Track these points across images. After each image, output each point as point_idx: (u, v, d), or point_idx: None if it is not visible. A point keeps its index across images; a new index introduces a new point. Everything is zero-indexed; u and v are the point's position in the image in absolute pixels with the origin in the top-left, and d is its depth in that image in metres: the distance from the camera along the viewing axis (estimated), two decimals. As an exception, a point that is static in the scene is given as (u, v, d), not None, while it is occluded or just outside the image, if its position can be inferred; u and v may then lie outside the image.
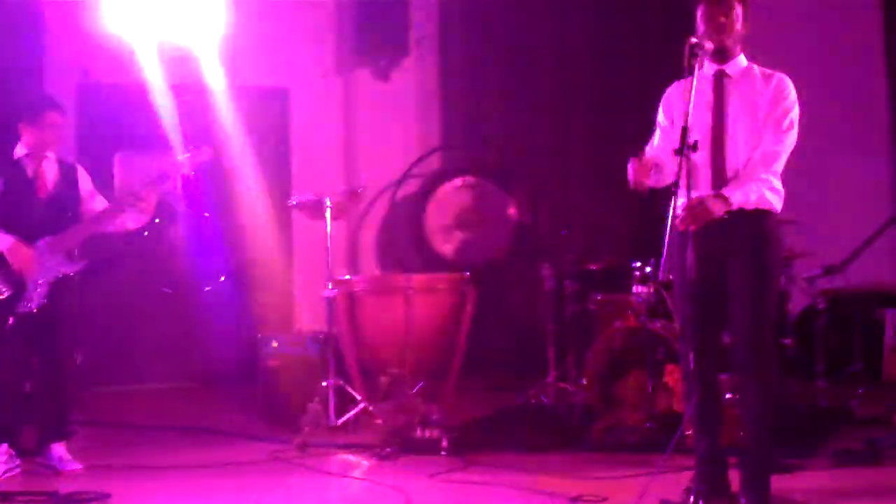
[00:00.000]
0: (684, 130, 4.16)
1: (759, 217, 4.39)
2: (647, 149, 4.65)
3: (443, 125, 9.30)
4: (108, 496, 4.85)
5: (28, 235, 5.48)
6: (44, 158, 5.64)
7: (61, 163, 5.73)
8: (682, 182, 4.18)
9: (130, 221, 5.74)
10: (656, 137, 4.71)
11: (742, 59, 4.53)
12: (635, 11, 8.88)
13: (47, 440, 5.58)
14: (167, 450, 6.10)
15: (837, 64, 8.10)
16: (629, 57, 9.05)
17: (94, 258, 5.76)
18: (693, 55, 4.28)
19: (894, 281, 7.84)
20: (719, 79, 4.50)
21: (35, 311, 5.45)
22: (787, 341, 6.20)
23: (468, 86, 9.29)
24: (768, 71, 4.53)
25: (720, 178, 4.41)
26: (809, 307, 6.93)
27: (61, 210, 5.63)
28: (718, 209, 4.28)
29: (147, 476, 5.42)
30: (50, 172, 5.65)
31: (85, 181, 5.79)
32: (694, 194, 4.27)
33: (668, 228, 4.18)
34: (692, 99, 4.22)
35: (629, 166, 4.44)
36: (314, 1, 9.01)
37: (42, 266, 5.48)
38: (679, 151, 4.16)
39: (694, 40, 4.30)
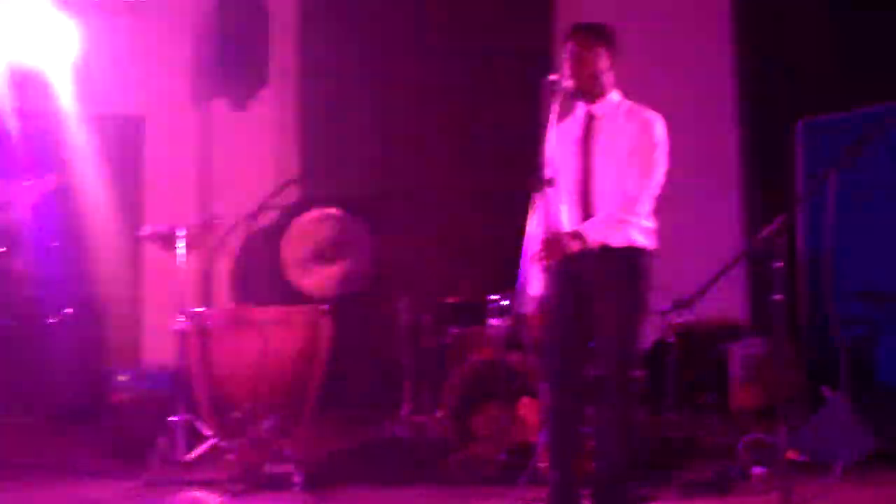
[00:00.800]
0: (541, 167, 4.21)
1: (626, 254, 4.45)
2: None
3: (301, 157, 9.23)
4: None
5: None
6: None
7: None
8: (539, 218, 4.23)
9: None
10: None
11: (613, 97, 4.59)
12: (496, 55, 8.99)
13: None
14: (8, 488, 5.84)
15: (690, 100, 8.30)
16: (488, 94, 9.14)
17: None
18: (551, 93, 4.33)
19: (740, 315, 8.04)
20: (587, 119, 4.55)
21: None
22: (639, 374, 6.27)
23: (328, 118, 9.24)
24: (637, 108, 4.58)
25: (588, 217, 4.46)
26: (660, 340, 7.06)
27: None
28: (574, 245, 4.33)
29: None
30: None
31: None
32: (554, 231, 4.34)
33: (524, 263, 4.23)
34: (552, 137, 4.27)
35: (546, 246, 4.42)
36: (172, 28, 8.84)
37: None
38: (535, 187, 4.20)
39: (552, 78, 4.36)
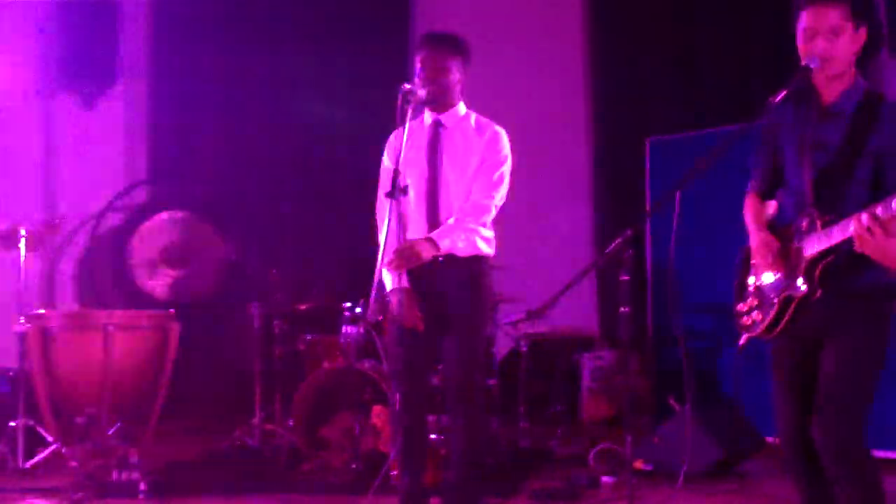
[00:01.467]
0: (395, 174, 4.21)
1: (470, 262, 4.49)
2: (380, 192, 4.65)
3: (151, 157, 9.02)
4: None
5: None
6: None
7: None
8: (392, 225, 4.23)
9: None
10: (384, 183, 4.73)
11: (461, 108, 4.63)
12: (355, 55, 8.92)
13: None
14: None
15: (543, 116, 8.43)
16: (346, 94, 9.07)
17: None
18: (406, 101, 4.33)
19: (590, 326, 8.20)
20: (435, 128, 4.57)
21: None
22: (492, 382, 6.34)
23: (178, 119, 9.03)
24: (484, 121, 4.64)
25: (435, 225, 4.48)
26: (513, 350, 7.14)
27: None
28: (427, 253, 4.34)
29: None
30: None
31: None
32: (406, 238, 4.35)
33: (378, 270, 4.21)
34: (404, 145, 4.27)
35: (400, 306, 4.40)
36: (14, 18, 8.52)
37: None
38: (390, 195, 4.20)
39: (407, 87, 4.36)
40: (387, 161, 4.68)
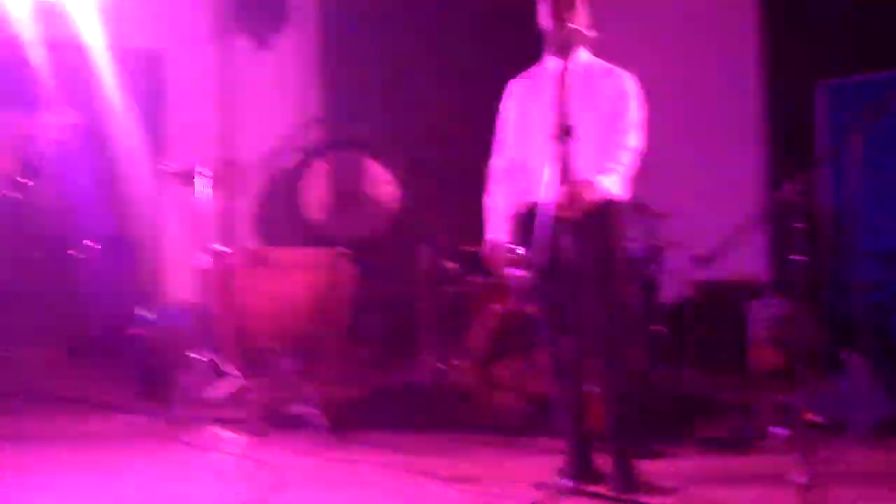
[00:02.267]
0: (562, 116, 4.20)
1: (609, 205, 4.47)
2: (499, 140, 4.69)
3: (323, 97, 9.19)
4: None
5: None
6: None
7: None
8: (557, 169, 4.22)
9: None
10: (504, 128, 4.76)
11: (583, 54, 4.60)
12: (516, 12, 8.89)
13: None
14: (33, 420, 5.92)
15: (709, 53, 8.27)
16: (513, 35, 9.04)
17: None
18: (563, 43, 4.34)
19: (761, 275, 8.06)
20: (562, 73, 4.53)
21: None
22: (659, 329, 6.32)
23: (350, 58, 9.16)
24: (609, 66, 4.62)
25: (566, 173, 4.44)
26: (680, 297, 7.08)
27: None
28: (593, 197, 4.34)
29: (9, 446, 5.23)
30: None
31: None
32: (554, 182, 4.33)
33: (540, 216, 4.21)
34: (575, 85, 4.26)
35: (489, 255, 4.45)
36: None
37: None
38: (557, 137, 4.20)
39: (572, 25, 4.35)
40: (507, 111, 4.71)
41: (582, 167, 4.39)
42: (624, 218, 4.61)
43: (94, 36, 8.13)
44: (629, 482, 4.43)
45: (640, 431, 4.62)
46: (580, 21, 4.53)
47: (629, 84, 4.58)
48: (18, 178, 5.72)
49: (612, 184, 4.44)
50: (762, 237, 8.10)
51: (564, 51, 4.46)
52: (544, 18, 4.57)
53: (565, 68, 4.36)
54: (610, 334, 4.50)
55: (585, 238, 4.42)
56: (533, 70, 4.66)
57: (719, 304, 7.16)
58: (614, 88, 4.55)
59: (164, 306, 7.08)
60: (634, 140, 4.52)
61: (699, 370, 6.67)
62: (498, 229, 4.70)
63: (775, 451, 5.30)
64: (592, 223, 4.43)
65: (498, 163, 4.81)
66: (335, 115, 9.15)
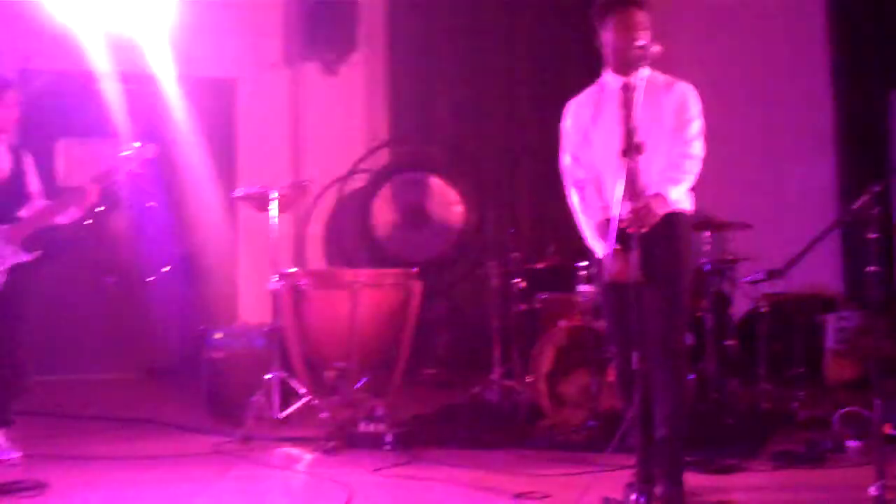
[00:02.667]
0: (629, 132, 4.19)
1: (670, 217, 4.45)
2: (566, 159, 4.69)
3: (391, 120, 9.29)
4: (45, 486, 4.78)
5: None
6: None
7: (13, 148, 5.60)
8: (625, 185, 4.21)
9: (70, 213, 5.65)
10: (570, 147, 4.76)
11: (645, 70, 4.58)
12: (581, 12, 8.91)
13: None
14: (109, 441, 6.04)
15: (782, 68, 8.20)
16: (576, 55, 9.09)
17: (47, 247, 5.65)
18: (632, 61, 4.33)
19: (834, 286, 7.94)
20: (625, 89, 4.52)
21: None
22: (731, 343, 6.25)
23: (416, 82, 9.29)
24: (671, 79, 4.61)
25: (632, 186, 4.43)
26: (752, 310, 7.00)
27: (15, 197, 5.53)
28: (661, 210, 4.34)
29: (87, 466, 5.37)
30: (3, 158, 5.52)
31: (32, 168, 5.68)
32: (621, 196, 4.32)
33: (609, 229, 4.21)
34: (638, 101, 4.25)
35: (611, 263, 4.42)
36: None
37: None
38: (625, 153, 4.19)
39: (641, 43, 4.35)
40: (569, 126, 4.72)
41: (649, 181, 4.39)
42: (690, 229, 4.59)
43: (166, 67, 8.31)
44: (673, 497, 4.40)
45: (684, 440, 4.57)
46: (646, 38, 4.53)
47: (691, 95, 4.59)
48: (97, 208, 5.85)
49: (679, 195, 4.44)
50: (836, 248, 7.99)
51: (629, 68, 4.48)
52: (608, 36, 4.58)
53: (629, 84, 4.37)
54: (672, 348, 4.46)
55: (654, 250, 4.41)
56: (593, 88, 4.66)
57: (793, 317, 7.04)
58: (677, 101, 4.55)
59: (237, 328, 7.17)
60: (698, 150, 4.51)
61: (773, 384, 6.57)
62: (598, 237, 4.64)
63: (852, 465, 5.21)
64: (661, 235, 4.42)
65: (570, 169, 4.79)
66: (403, 138, 9.23)
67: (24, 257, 5.47)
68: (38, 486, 4.75)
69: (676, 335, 4.51)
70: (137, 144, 5.75)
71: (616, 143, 4.36)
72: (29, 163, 5.67)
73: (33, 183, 5.66)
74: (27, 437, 5.74)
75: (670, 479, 4.44)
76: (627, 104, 4.42)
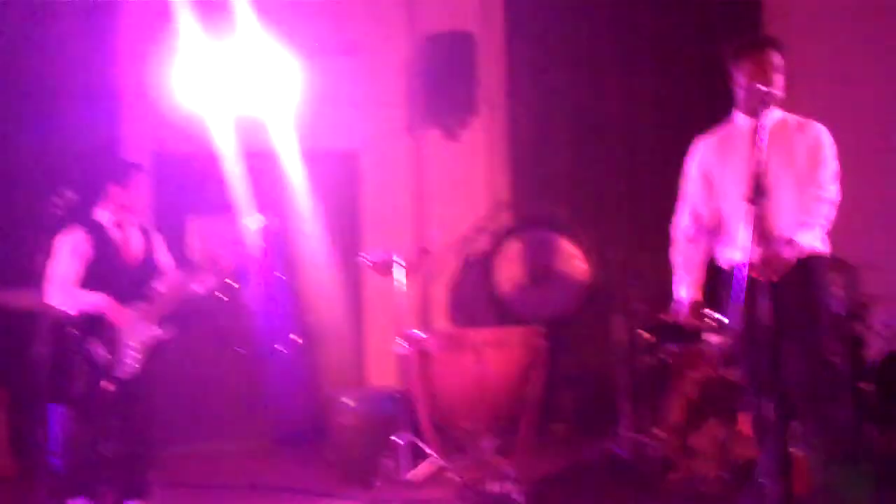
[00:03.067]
0: (756, 177, 4.14)
1: (806, 261, 4.37)
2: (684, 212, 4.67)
3: (512, 182, 9.32)
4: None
5: (118, 301, 5.56)
6: (128, 223, 5.74)
7: (142, 228, 5.83)
8: (752, 230, 4.16)
9: (205, 281, 5.84)
10: (693, 194, 4.73)
11: (776, 111, 4.54)
12: (699, 73, 8.88)
13: (125, 498, 5.64)
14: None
15: (893, 97, 8.01)
16: (693, 113, 9.04)
17: (183, 322, 5.84)
18: (763, 104, 4.31)
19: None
20: (757, 130, 4.47)
21: (132, 375, 5.53)
22: (868, 387, 6.06)
23: (536, 143, 9.32)
24: (803, 120, 4.57)
25: (762, 231, 4.36)
26: (891, 353, 6.76)
27: (147, 276, 5.73)
28: (791, 257, 4.28)
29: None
30: (135, 238, 5.74)
31: (161, 246, 5.90)
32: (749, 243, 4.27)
33: (736, 278, 4.16)
34: (763, 145, 4.21)
35: (686, 312, 4.42)
36: (385, 64, 9.11)
37: (135, 331, 5.56)
38: (751, 199, 4.14)
39: (765, 89, 4.34)
40: (694, 171, 4.68)
41: (780, 224, 4.34)
42: (827, 273, 4.50)
43: (292, 143, 8.54)
44: None
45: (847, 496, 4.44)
46: (778, 82, 4.51)
47: (824, 136, 4.54)
48: (229, 280, 6.05)
49: (813, 239, 4.37)
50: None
51: (759, 110, 4.44)
52: (741, 78, 4.56)
53: (760, 125, 4.32)
54: (816, 394, 4.37)
55: (789, 295, 4.33)
56: (722, 127, 4.64)
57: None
58: (809, 142, 4.51)
59: (365, 392, 7.25)
60: (832, 193, 4.45)
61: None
62: (687, 288, 4.65)
63: None
64: (795, 280, 4.35)
65: (683, 221, 4.78)
66: (524, 197, 9.27)
67: (164, 334, 5.66)
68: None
69: (821, 382, 4.43)
70: (260, 217, 5.92)
71: (743, 185, 4.34)
72: (158, 241, 5.89)
73: (164, 261, 5.87)
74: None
75: None
76: (758, 146, 4.41)
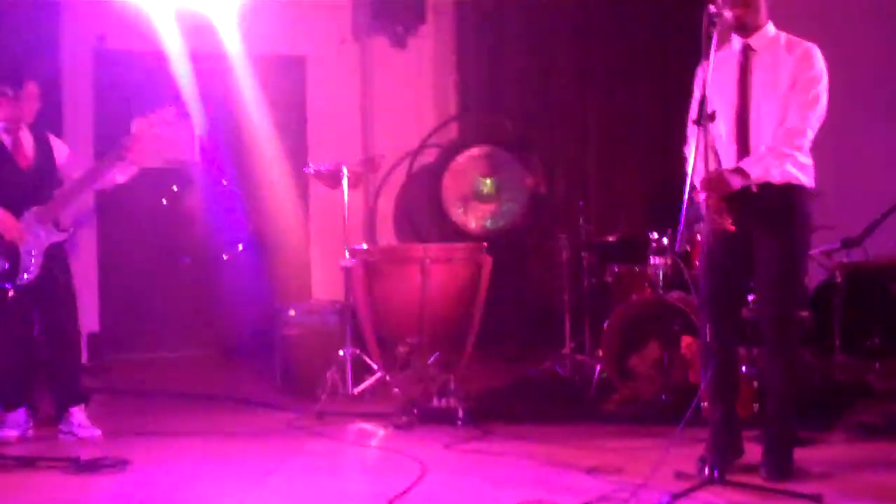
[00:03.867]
0: (703, 100, 4.15)
1: (786, 191, 4.36)
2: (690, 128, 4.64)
3: (460, 94, 9.25)
4: (127, 462, 4.90)
5: (13, 208, 5.50)
6: (20, 130, 5.62)
7: (35, 133, 5.71)
8: (700, 153, 4.17)
9: (119, 176, 5.75)
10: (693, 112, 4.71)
11: (769, 30, 4.47)
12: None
13: (65, 405, 5.64)
14: (185, 417, 6.17)
15: (858, 29, 8.02)
16: (647, 24, 9.00)
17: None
18: (711, 24, 4.24)
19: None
20: (744, 53, 4.47)
21: (34, 280, 5.50)
22: (805, 314, 6.17)
23: (485, 54, 9.23)
24: (795, 40, 4.46)
25: (745, 153, 4.39)
26: (827, 281, 6.89)
27: (42, 180, 5.65)
28: (736, 182, 4.27)
29: (165, 442, 5.49)
30: (27, 143, 5.64)
31: (60, 149, 5.79)
32: (714, 167, 4.28)
33: (686, 199, 4.17)
34: (710, 72, 4.20)
35: (716, 212, 4.34)
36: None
37: (33, 236, 5.51)
38: (697, 121, 4.15)
39: (712, 9, 4.27)
40: (697, 92, 4.63)
41: (762, 147, 4.33)
42: (805, 203, 4.45)
43: (237, 46, 8.36)
44: (785, 470, 4.38)
45: (796, 420, 4.54)
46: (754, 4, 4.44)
47: (814, 58, 4.40)
48: (172, 188, 5.96)
49: (773, 170, 4.33)
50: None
51: (747, 30, 4.43)
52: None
53: (748, 46, 4.35)
54: (782, 324, 4.42)
55: (766, 226, 4.36)
56: (722, 48, 4.52)
57: (868, 287, 6.91)
58: (793, 64, 4.39)
59: (310, 305, 7.24)
60: (815, 119, 4.36)
61: (848, 355, 6.48)
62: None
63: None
64: (773, 209, 4.36)
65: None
66: (473, 110, 9.21)
67: (58, 237, 5.61)
68: (121, 463, 4.87)
69: (790, 316, 4.47)
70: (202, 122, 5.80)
71: (729, 107, 4.35)
72: (56, 145, 5.78)
73: (64, 164, 5.75)
74: (107, 416, 5.92)
75: (777, 453, 4.43)
76: (743, 67, 4.40)
